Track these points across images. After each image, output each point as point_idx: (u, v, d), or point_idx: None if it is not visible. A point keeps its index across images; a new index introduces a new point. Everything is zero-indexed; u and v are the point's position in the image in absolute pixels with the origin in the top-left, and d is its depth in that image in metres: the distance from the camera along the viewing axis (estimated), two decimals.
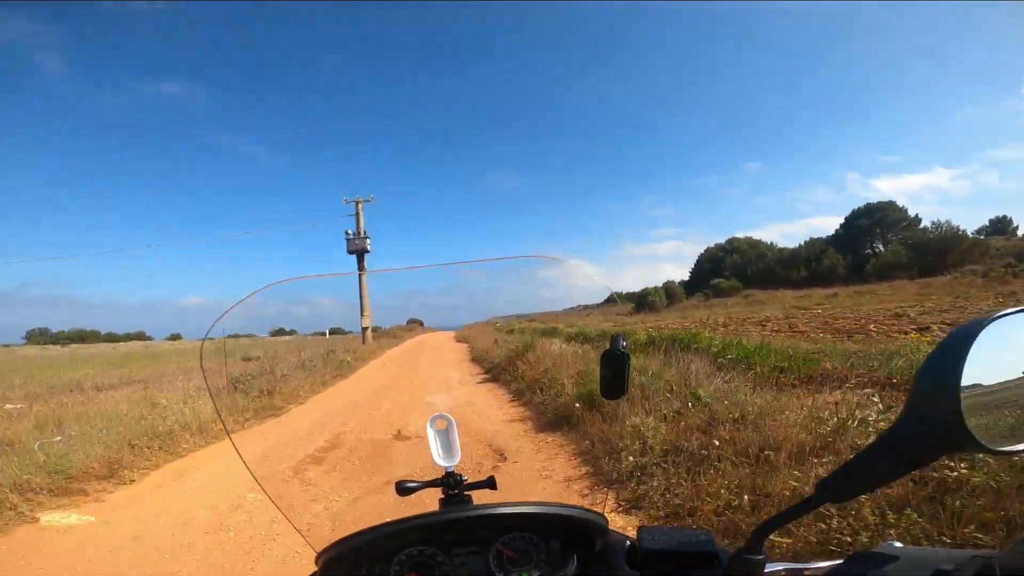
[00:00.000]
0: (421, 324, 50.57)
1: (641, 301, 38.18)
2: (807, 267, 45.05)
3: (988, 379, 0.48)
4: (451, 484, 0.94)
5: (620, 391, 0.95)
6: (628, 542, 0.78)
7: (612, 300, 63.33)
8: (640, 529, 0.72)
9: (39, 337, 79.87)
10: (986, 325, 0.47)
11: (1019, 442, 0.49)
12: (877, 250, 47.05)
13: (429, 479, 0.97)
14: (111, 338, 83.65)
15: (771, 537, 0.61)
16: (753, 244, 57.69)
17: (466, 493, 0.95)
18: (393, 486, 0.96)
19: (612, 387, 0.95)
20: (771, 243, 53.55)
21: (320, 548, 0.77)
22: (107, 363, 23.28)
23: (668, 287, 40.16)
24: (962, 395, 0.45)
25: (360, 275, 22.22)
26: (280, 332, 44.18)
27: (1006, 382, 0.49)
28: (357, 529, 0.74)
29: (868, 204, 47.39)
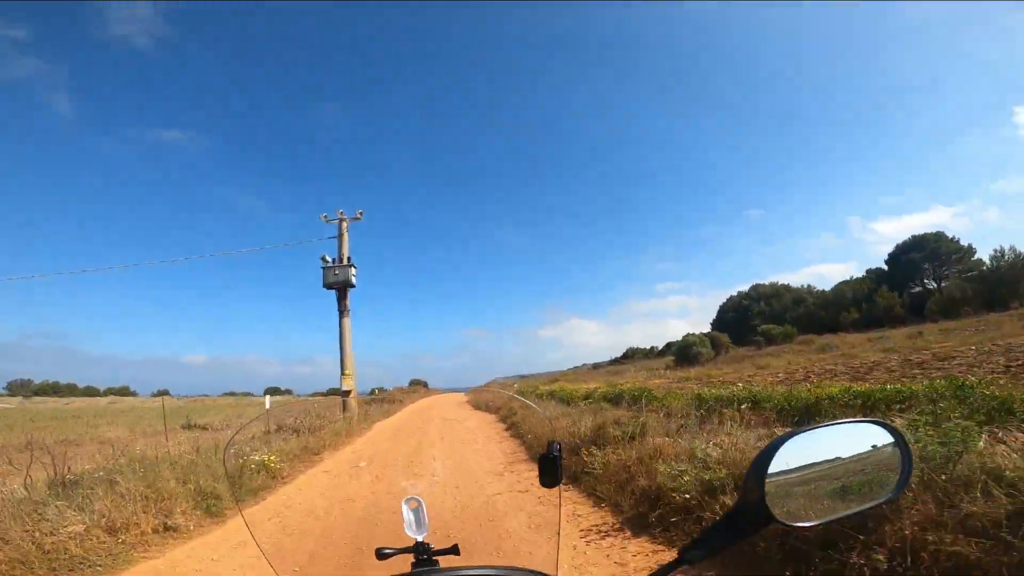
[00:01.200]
0: (425, 385, 44.30)
1: (683, 353, 32.53)
2: (857, 308, 39.89)
3: (787, 475, 0.80)
4: (420, 551, 1.16)
5: (554, 483, 1.17)
6: None
7: (627, 357, 56.53)
8: None
9: (19, 388, 75.91)
10: (785, 441, 0.79)
11: (806, 520, 0.82)
12: (928, 286, 42.33)
13: (402, 547, 1.19)
14: (90, 392, 79.23)
15: None
16: (781, 289, 52.99)
17: (435, 559, 1.16)
18: None
19: (548, 482, 1.17)
20: (807, 286, 48.68)
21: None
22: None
23: (713, 337, 34.58)
24: (768, 481, 0.76)
25: (341, 320, 16.81)
26: (275, 391, 41.15)
27: (798, 469, 0.82)
28: None
29: (914, 236, 43.34)
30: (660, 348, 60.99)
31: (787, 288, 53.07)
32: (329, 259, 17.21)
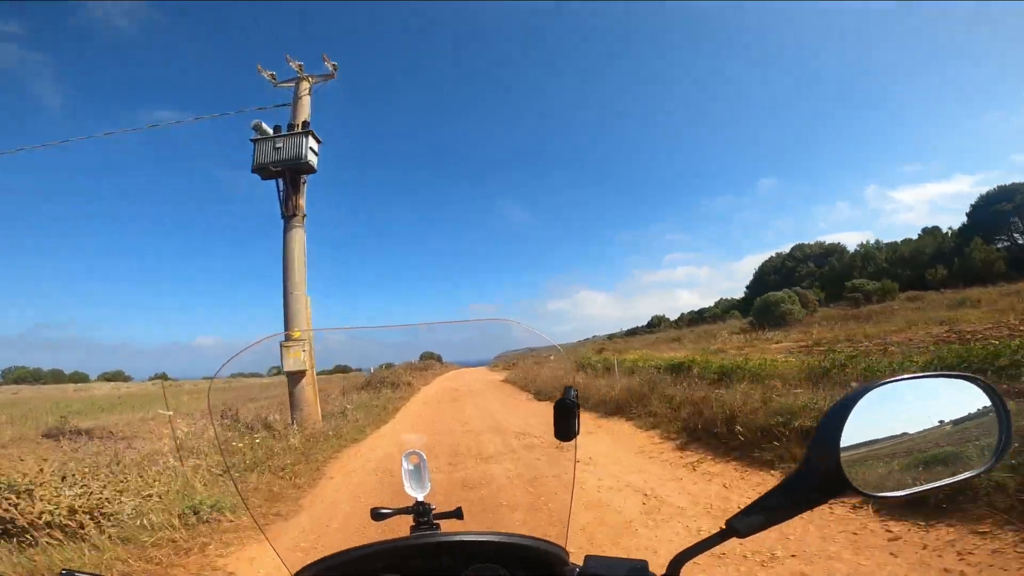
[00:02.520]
0: (439, 359, 35.68)
1: (765, 311, 25.31)
2: (945, 265, 33.17)
3: (866, 437, 0.66)
4: (420, 512, 1.05)
5: (571, 435, 1.01)
6: (577, 570, 0.82)
7: (653, 325, 49.61)
8: (587, 557, 0.82)
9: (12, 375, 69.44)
10: (863, 395, 0.65)
11: (888, 490, 0.68)
12: (1019, 241, 35.72)
13: (401, 507, 1.08)
14: (77, 378, 68.68)
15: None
16: (831, 248, 46.27)
17: (435, 522, 1.04)
18: None
19: (564, 431, 1.01)
20: (873, 241, 41.60)
21: (295, 570, 0.82)
22: None
23: (801, 294, 27.21)
24: (843, 451, 0.62)
25: (287, 235, 9.29)
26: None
27: (878, 440, 0.68)
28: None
29: (1000, 187, 36.50)
30: (689, 314, 54.42)
31: (837, 246, 46.35)
32: (268, 128, 9.55)
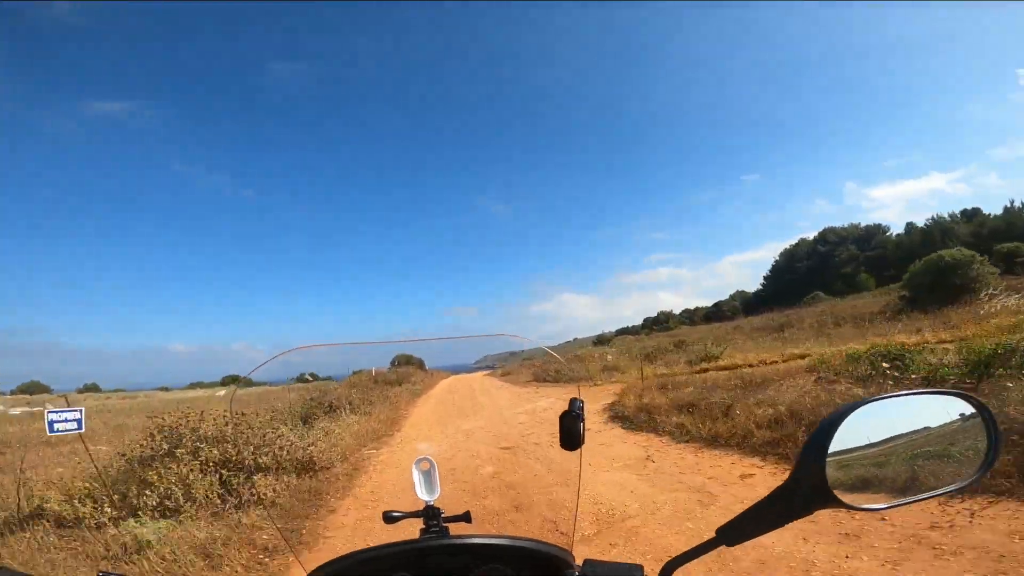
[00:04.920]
0: (422, 366, 28.83)
1: (937, 280, 16.34)
2: None
3: (854, 452, 0.69)
4: (430, 516, 1.09)
5: (575, 444, 1.04)
6: (576, 573, 0.85)
7: (659, 321, 43.46)
8: (585, 561, 0.84)
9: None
10: (852, 411, 0.65)
11: (873, 503, 0.70)
12: None
13: (411, 511, 1.12)
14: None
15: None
16: (874, 229, 40.60)
17: (445, 525, 1.08)
18: None
19: (569, 441, 1.04)
20: (957, 213, 35.42)
21: (311, 568, 0.84)
22: None
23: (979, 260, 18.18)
24: (830, 464, 0.62)
25: None
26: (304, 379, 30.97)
27: (865, 454, 0.71)
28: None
29: None
30: (702, 308, 48.65)
31: (879, 227, 40.80)
32: None
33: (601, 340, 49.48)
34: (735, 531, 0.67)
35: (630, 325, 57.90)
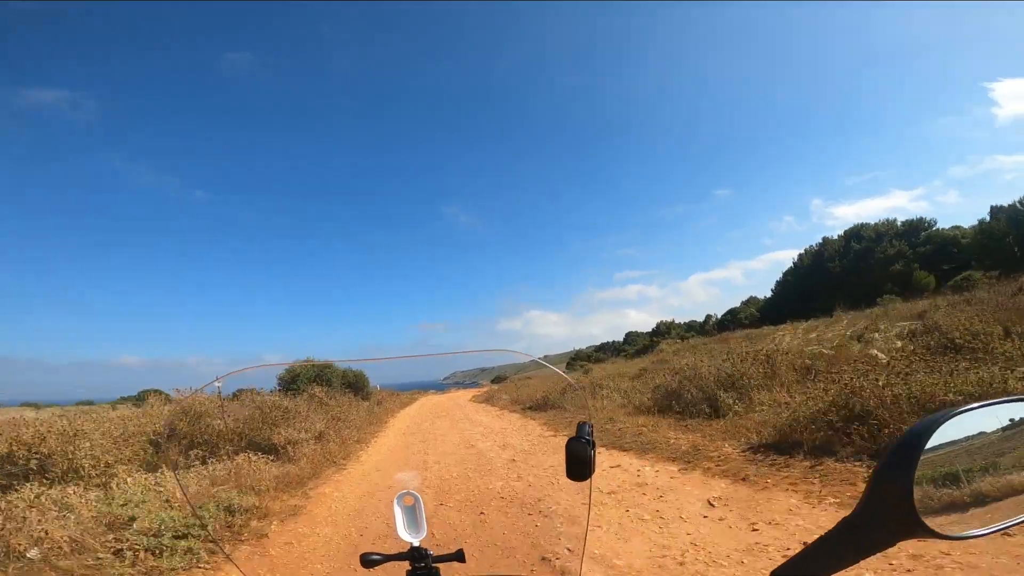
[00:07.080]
0: (365, 382, 21.18)
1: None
2: None
3: (937, 470, 0.54)
4: (417, 558, 0.92)
5: (585, 475, 0.84)
6: None
7: (629, 342, 39.52)
8: None
9: None
10: (942, 423, 0.53)
11: (969, 528, 0.54)
12: None
13: (394, 552, 0.95)
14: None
15: None
16: (918, 223, 34.86)
17: (434, 566, 0.93)
18: None
19: (577, 471, 0.84)
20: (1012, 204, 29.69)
21: None
22: None
23: None
24: (915, 486, 0.50)
25: None
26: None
27: (952, 472, 0.55)
28: None
29: None
30: (713, 317, 42.36)
31: (922, 221, 35.01)
32: None
33: (578, 357, 44.63)
34: (799, 570, 0.56)
35: (611, 340, 50.03)
